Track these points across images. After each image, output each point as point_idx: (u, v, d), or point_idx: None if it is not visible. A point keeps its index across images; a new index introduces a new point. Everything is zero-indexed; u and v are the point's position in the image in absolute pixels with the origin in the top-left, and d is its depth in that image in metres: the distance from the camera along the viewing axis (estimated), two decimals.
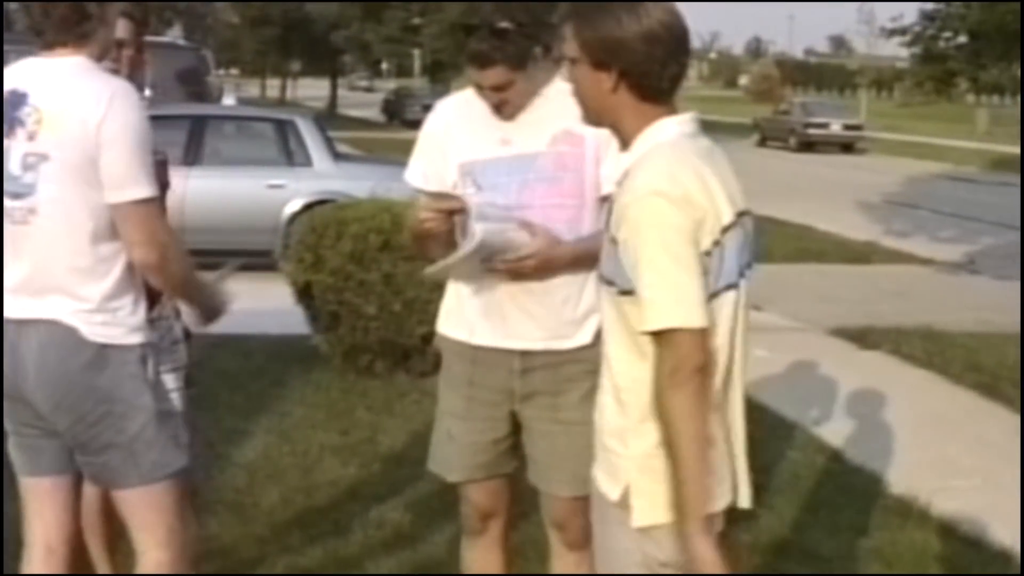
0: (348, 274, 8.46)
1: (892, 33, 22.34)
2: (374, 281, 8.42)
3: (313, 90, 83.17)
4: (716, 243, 3.03)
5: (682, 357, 2.95)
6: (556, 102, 3.97)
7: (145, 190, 3.66)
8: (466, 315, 4.16)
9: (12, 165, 3.71)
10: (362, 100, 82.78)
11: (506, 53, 3.86)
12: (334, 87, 69.33)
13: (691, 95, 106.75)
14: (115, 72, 4.16)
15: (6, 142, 3.72)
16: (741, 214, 3.14)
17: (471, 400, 4.18)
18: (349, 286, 8.47)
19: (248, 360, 9.10)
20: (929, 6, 20.74)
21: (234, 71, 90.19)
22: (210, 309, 4.07)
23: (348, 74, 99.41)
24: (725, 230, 3.05)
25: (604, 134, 3.94)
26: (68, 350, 3.70)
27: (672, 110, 3.16)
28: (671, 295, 2.96)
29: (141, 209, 3.66)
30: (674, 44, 3.09)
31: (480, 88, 3.98)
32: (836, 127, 46.44)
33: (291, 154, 14.20)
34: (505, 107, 3.98)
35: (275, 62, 77.92)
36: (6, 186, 3.72)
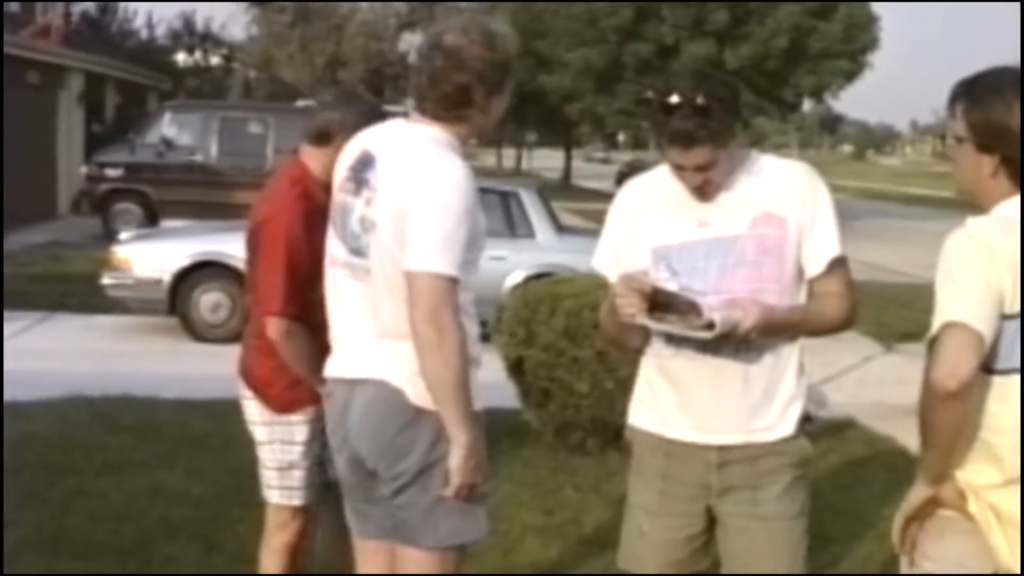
0: (560, 350, 8.33)
1: None
2: (587, 358, 8.25)
3: (549, 160, 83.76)
4: (1011, 317, 3.04)
5: (956, 356, 2.97)
6: (753, 181, 3.80)
7: (439, 266, 3.68)
8: (659, 406, 3.97)
9: (353, 223, 3.88)
10: (598, 171, 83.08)
11: (711, 131, 3.62)
12: (568, 158, 69.64)
13: (926, 171, 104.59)
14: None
15: (351, 199, 3.90)
16: None
17: (664, 495, 3.97)
18: (561, 362, 8.33)
19: None
20: None
21: (472, 141, 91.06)
22: (470, 441, 3.78)
23: (584, 145, 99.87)
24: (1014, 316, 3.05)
25: (807, 216, 3.76)
26: (392, 409, 3.82)
27: None
28: (950, 301, 3.03)
29: (433, 282, 3.68)
30: None
31: (680, 169, 3.74)
32: None
33: (514, 226, 14.20)
34: (707, 187, 3.76)
35: (511, 132, 78.66)
36: (350, 242, 3.90)
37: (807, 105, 52.50)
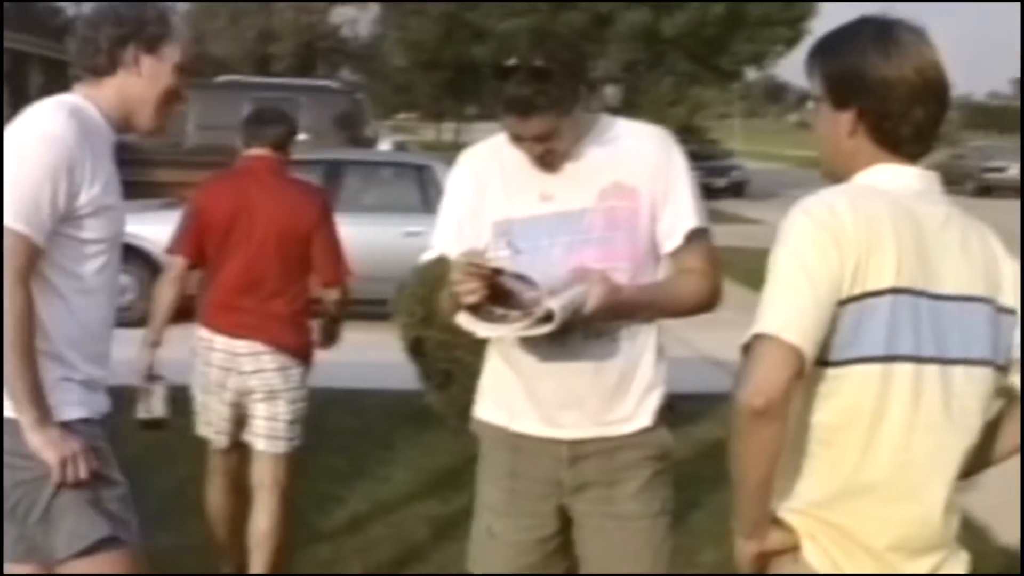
0: (460, 330, 7.95)
1: None
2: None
3: (490, 134, 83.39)
4: (854, 300, 2.65)
5: (764, 373, 2.59)
6: (603, 149, 3.46)
7: (8, 219, 3.29)
8: (505, 397, 3.62)
9: None
10: None
11: (551, 98, 3.28)
12: None
13: None
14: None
15: None
16: (930, 295, 2.72)
17: (513, 493, 3.62)
18: (461, 343, 7.92)
19: (358, 418, 8.64)
20: None
21: (412, 115, 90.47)
22: (39, 418, 3.36)
23: None
24: (874, 294, 2.65)
25: (660, 186, 3.43)
26: None
27: (911, 163, 2.83)
28: (768, 305, 2.66)
29: None
30: (923, 89, 2.79)
31: (519, 139, 3.41)
32: (1014, 171, 44.41)
33: (429, 201, 13.74)
34: (549, 158, 3.42)
35: (452, 106, 78.08)
36: None
37: (751, 75, 52.08)
